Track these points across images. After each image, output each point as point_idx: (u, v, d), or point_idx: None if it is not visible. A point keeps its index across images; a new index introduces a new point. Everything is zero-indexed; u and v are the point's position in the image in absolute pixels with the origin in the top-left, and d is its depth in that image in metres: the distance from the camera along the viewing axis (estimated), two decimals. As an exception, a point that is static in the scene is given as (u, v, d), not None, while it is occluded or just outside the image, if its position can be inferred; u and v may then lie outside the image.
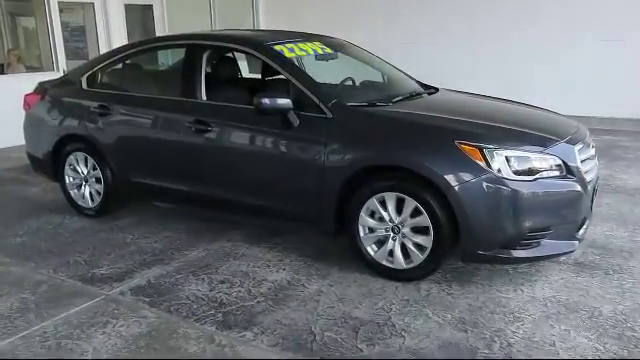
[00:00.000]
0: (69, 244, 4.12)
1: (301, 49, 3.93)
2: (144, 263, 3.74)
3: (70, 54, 8.86)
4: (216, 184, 3.94)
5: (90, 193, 4.63)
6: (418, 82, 4.49)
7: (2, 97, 7.51)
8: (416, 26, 9.53)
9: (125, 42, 8.98)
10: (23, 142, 7.82)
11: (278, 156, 3.61)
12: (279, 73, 4.73)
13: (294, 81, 3.60)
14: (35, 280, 3.52)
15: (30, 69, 8.92)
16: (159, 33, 9.79)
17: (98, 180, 4.53)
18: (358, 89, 4.22)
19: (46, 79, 5.14)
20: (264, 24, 11.60)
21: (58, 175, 4.79)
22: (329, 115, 3.44)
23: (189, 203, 4.16)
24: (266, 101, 3.43)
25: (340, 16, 10.35)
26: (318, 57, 4.09)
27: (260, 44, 3.85)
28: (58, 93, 4.71)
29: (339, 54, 4.40)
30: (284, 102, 3.44)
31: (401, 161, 3.20)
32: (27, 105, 4.90)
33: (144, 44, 4.36)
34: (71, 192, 4.74)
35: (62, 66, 8.37)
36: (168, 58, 4.82)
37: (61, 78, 4.91)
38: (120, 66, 4.46)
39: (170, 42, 4.34)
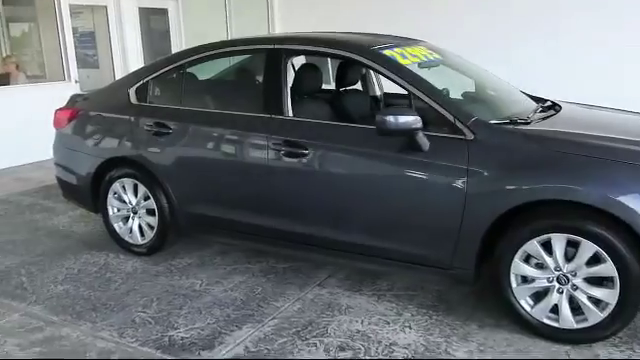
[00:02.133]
0: (126, 293, 3.36)
1: (412, 54, 3.24)
2: (230, 321, 3.00)
3: (79, 62, 8.05)
4: (310, 219, 3.23)
5: (140, 227, 3.87)
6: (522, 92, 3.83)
7: (8, 111, 6.70)
8: (450, 27, 8.89)
9: (139, 48, 8.24)
10: (33, 160, 7.06)
11: (400, 187, 2.92)
12: (354, 82, 4.12)
13: (419, 94, 2.91)
14: (99, 349, 2.76)
15: (31, 78, 8.09)
16: (174, 38, 9.05)
17: (150, 212, 3.78)
18: (477, 103, 3.53)
19: (78, 92, 4.39)
20: (279, 21, 10.91)
21: (98, 205, 4.02)
22: (470, 136, 2.75)
23: (270, 241, 3.43)
24: (391, 119, 2.74)
25: (363, 19, 9.63)
26: (422, 64, 3.39)
27: (366, 49, 3.15)
28: (99, 108, 3.95)
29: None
30: (413, 120, 2.74)
31: (579, 195, 2.51)
32: (59, 122, 4.13)
33: (210, 49, 3.60)
34: (115, 225, 3.97)
35: (74, 76, 7.56)
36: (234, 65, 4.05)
37: (101, 90, 4.13)
38: (180, 76, 3.71)
39: (245, 47, 3.60)
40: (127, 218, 3.93)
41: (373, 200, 2.99)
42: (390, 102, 4.49)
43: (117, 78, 8.27)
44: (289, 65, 3.34)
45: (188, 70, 3.70)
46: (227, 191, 3.47)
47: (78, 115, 4.01)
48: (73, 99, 4.23)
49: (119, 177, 3.84)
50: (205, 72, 3.86)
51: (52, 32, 8.35)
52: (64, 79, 7.53)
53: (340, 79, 4.01)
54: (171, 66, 3.71)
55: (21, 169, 6.75)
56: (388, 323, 2.94)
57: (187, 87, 3.69)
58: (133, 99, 3.79)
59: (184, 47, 9.00)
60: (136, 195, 3.82)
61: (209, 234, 3.71)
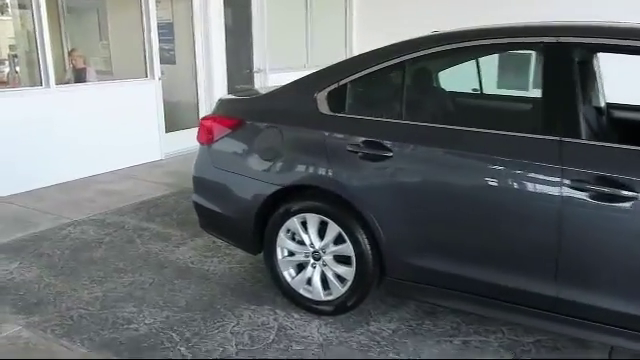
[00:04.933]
0: (339, 384, 2.38)
1: None
2: None
3: (154, 57, 7.10)
4: (615, 287, 2.23)
5: (323, 277, 2.89)
6: None
7: (85, 112, 5.77)
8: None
9: (222, 43, 7.27)
10: (115, 168, 6.13)
11: None
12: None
13: None
14: None
15: (98, 75, 7.18)
16: (256, 31, 8.06)
17: (343, 259, 2.82)
18: None
19: (227, 95, 3.43)
20: (357, 22, 9.99)
21: (261, 244, 3.06)
22: None
23: (528, 311, 2.44)
24: None
25: (450, 13, 8.59)
26: None
27: None
28: (272, 118, 2.98)
29: None
30: None
31: None
32: (208, 135, 3.17)
33: (448, 41, 2.59)
34: (284, 273, 3.03)
35: (157, 72, 6.62)
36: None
37: (270, 94, 3.16)
38: (398, 78, 2.72)
39: (506, 39, 2.56)
40: (302, 265, 2.96)
41: None
42: (614, 115, 3.50)
43: (199, 75, 7.36)
44: (575, 67, 2.32)
45: (411, 70, 2.70)
46: (477, 240, 2.49)
47: (240, 126, 3.04)
48: (224, 105, 3.27)
49: (300, 211, 2.88)
50: (437, 73, 2.86)
51: (122, 24, 7.50)
52: (146, 76, 6.57)
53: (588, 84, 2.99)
54: (383, 64, 2.72)
55: (103, 179, 5.85)
56: None
57: (411, 94, 2.70)
58: (323, 108, 2.82)
59: (266, 43, 8.06)
60: (322, 236, 2.85)
61: (427, 295, 2.72)
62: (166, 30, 7.67)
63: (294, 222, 2.90)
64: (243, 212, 3.06)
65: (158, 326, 2.86)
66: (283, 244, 2.98)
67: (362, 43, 9.83)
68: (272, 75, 8.04)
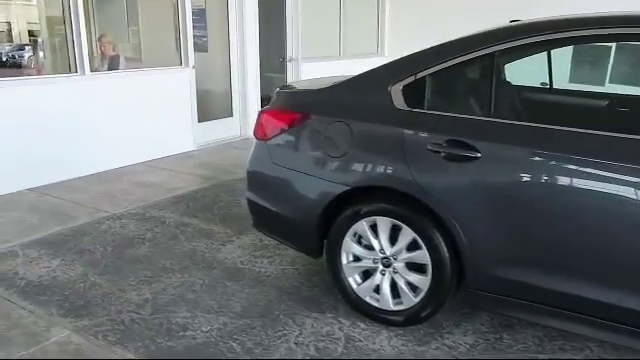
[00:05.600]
0: (424, 406, 2.16)
1: None
2: None
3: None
4: None
5: (393, 286, 2.68)
6: None
7: (118, 101, 5.57)
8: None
9: (256, 30, 7.03)
10: (144, 160, 5.93)
11: None
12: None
13: None
14: None
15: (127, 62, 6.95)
16: (289, 19, 7.80)
17: (416, 267, 2.61)
18: None
19: (286, 85, 3.21)
20: (389, 11, 9.71)
21: (324, 248, 2.86)
22: None
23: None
24: None
25: (488, 6, 8.30)
26: None
27: None
28: (340, 113, 2.76)
29: None
30: None
31: None
32: (266, 129, 2.96)
33: (546, 31, 2.33)
34: (350, 279, 2.82)
35: (191, 61, 6.41)
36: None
37: (337, 87, 2.91)
38: (487, 70, 2.47)
39: (610, 29, 2.26)
40: (369, 271, 2.75)
41: None
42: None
43: (232, 63, 7.14)
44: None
45: (501, 63, 2.46)
46: (575, 252, 2.26)
47: (303, 120, 2.83)
48: (284, 97, 3.05)
49: (369, 213, 2.65)
50: (527, 67, 2.62)
51: (153, 9, 7.28)
52: (180, 64, 6.37)
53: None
54: (468, 56, 2.47)
55: (136, 169, 5.69)
56: None
57: (500, 88, 2.45)
58: (399, 103, 2.59)
59: (300, 31, 7.81)
60: (393, 241, 2.63)
61: (512, 309, 2.49)
62: (198, 17, 7.44)
63: (363, 225, 2.69)
64: (305, 213, 2.85)
65: (216, 334, 2.67)
66: (349, 248, 2.77)
67: (394, 33, 9.55)
68: (305, 64, 7.81)
